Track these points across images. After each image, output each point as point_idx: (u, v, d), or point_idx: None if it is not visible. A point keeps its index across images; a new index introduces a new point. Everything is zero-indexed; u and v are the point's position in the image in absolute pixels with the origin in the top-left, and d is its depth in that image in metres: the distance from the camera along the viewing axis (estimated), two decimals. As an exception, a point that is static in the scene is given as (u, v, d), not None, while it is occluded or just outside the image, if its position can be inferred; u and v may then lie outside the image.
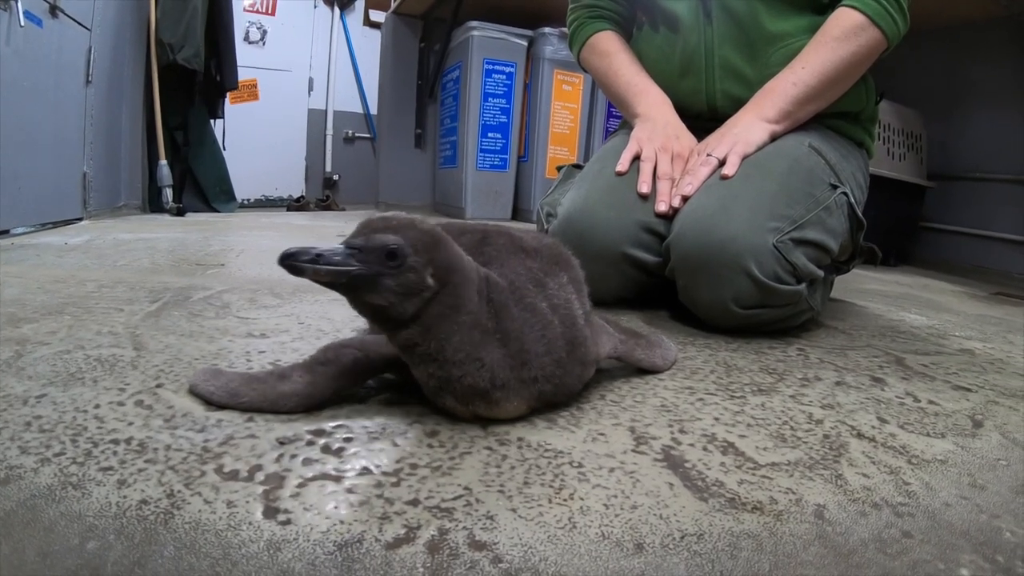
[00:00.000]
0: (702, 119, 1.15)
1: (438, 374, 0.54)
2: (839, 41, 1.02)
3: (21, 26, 1.75)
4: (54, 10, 1.98)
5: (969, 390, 0.78)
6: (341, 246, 0.50)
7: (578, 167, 1.29)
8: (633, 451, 0.54)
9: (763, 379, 0.76)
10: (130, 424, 0.52)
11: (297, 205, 4.14)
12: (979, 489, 0.51)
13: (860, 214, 1.04)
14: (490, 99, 2.96)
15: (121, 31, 2.56)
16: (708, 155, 1.03)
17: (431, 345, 0.53)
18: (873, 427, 0.63)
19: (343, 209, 4.17)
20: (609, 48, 1.22)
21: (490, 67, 2.92)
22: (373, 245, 0.50)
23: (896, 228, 2.48)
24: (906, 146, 2.44)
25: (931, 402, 0.72)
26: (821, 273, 0.99)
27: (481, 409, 0.56)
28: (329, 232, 2.35)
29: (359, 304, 0.52)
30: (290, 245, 0.49)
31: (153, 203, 2.85)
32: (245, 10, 4.38)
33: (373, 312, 0.52)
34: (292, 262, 0.48)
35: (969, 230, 2.51)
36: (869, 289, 1.69)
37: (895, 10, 1.01)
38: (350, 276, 0.50)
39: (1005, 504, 0.49)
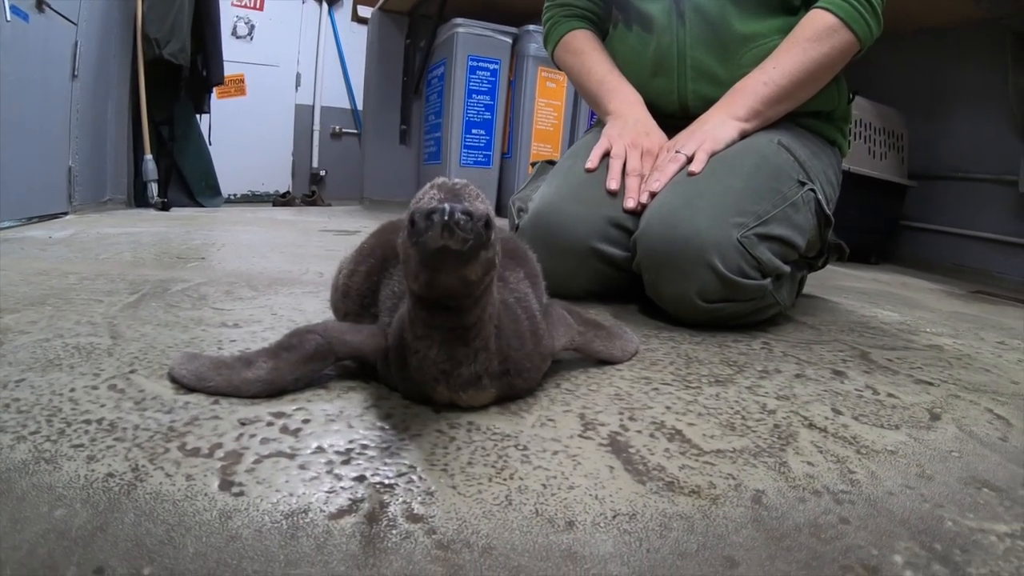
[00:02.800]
0: (675, 118, 1.16)
1: (462, 360, 0.53)
2: (811, 42, 1.03)
3: (7, 20, 1.76)
4: (40, 4, 1.99)
5: (931, 384, 0.78)
6: (454, 206, 0.44)
7: (551, 163, 1.31)
8: (579, 436, 0.55)
9: (722, 371, 0.77)
10: (102, 406, 0.54)
11: (283, 200, 4.15)
12: (926, 479, 0.51)
13: (828, 211, 1.06)
14: (474, 96, 2.97)
15: (107, 26, 2.57)
16: (677, 152, 1.05)
17: (478, 332, 0.52)
18: (826, 418, 0.63)
19: (329, 204, 4.18)
20: (583, 46, 1.24)
21: (475, 64, 2.94)
22: (479, 213, 0.46)
23: (877, 227, 2.51)
24: (887, 145, 2.47)
25: (890, 395, 0.72)
26: (787, 268, 1.00)
27: (467, 397, 0.56)
28: (312, 227, 2.36)
29: (451, 275, 0.48)
30: (432, 205, 0.45)
31: (138, 197, 2.85)
32: (233, 5, 4.37)
33: (452, 288, 0.49)
34: (450, 223, 0.44)
35: (950, 229, 2.54)
36: (846, 286, 1.70)
37: (868, 13, 1.02)
38: (475, 238, 0.46)
39: (951, 494, 0.49)
